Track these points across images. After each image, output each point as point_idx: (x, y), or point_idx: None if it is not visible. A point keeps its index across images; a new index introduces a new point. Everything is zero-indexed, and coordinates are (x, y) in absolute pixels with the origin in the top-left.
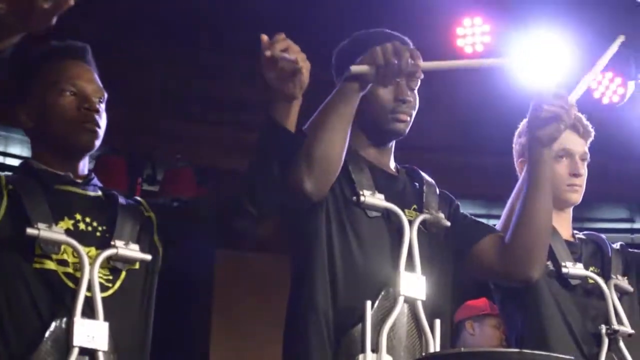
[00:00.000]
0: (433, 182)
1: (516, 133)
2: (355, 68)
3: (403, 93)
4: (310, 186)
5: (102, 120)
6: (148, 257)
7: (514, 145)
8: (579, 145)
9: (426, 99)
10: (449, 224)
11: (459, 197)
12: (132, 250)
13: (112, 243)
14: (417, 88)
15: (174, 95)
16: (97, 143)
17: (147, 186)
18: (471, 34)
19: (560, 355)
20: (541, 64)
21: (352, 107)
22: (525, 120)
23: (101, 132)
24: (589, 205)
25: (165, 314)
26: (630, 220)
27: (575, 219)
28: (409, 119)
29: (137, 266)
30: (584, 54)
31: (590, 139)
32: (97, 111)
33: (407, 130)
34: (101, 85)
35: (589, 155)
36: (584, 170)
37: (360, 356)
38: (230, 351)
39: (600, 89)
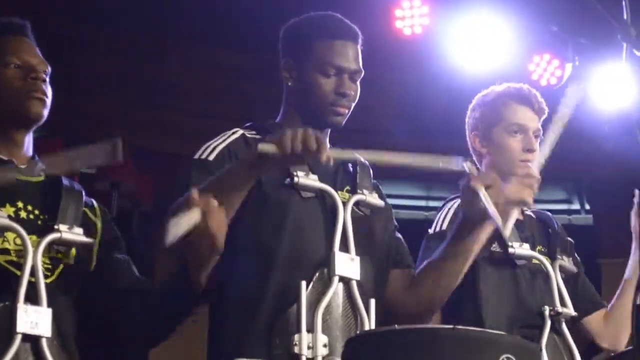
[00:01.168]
0: (367, 163)
1: (470, 106)
2: (262, 147)
3: (344, 86)
4: None
5: (49, 91)
6: (91, 240)
7: (467, 119)
8: (533, 121)
9: (364, 83)
10: (383, 203)
11: (399, 179)
12: (76, 234)
13: (56, 227)
14: (357, 81)
15: (112, 78)
16: (46, 113)
17: (86, 169)
18: (410, 15)
19: (493, 331)
20: (481, 47)
21: (245, 180)
22: (481, 94)
23: (49, 102)
24: None
25: None
26: (568, 201)
27: None
28: (347, 111)
29: (72, 261)
30: (524, 36)
31: (544, 116)
32: (44, 80)
33: (343, 124)
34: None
35: (542, 132)
36: (537, 147)
37: (296, 336)
38: None
39: (538, 71)
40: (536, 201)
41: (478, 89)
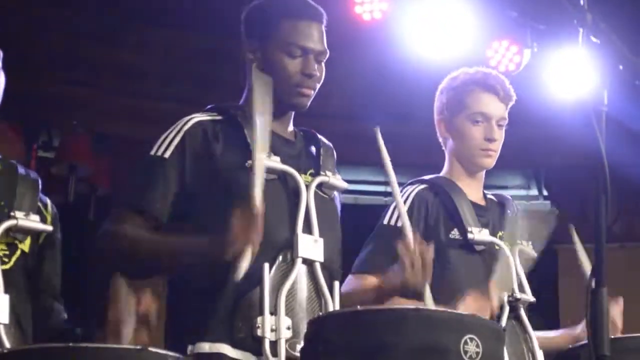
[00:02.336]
0: (331, 145)
1: (439, 87)
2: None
3: (310, 67)
4: None
5: (2, 78)
6: (49, 227)
7: (435, 101)
8: (498, 109)
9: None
10: (346, 185)
11: (358, 165)
12: (32, 221)
13: (12, 214)
14: (322, 62)
15: (71, 61)
16: None
17: (43, 153)
18: (369, 1)
19: (456, 311)
20: (439, 32)
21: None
22: (450, 76)
23: (1, 89)
24: (486, 172)
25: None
26: (526, 187)
27: None
28: (312, 92)
29: (27, 248)
30: (482, 22)
31: (511, 103)
32: None
33: (308, 105)
34: None
35: (507, 120)
36: (499, 135)
37: (259, 319)
38: None
39: (497, 57)
40: (495, 187)
41: (437, 75)
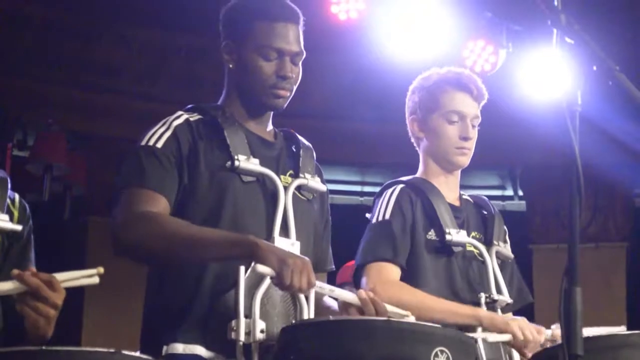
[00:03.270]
0: (310, 146)
1: (410, 88)
2: (260, 268)
3: (285, 69)
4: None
5: None
6: (18, 227)
7: (406, 101)
8: (472, 108)
9: (305, 67)
10: (324, 188)
11: (334, 164)
12: (2, 221)
13: None
14: (298, 63)
15: (46, 59)
16: None
17: (18, 151)
18: (345, 0)
19: (427, 324)
20: (415, 32)
21: (217, 260)
22: (421, 76)
23: None
24: (461, 172)
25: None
26: (502, 187)
27: None
28: (288, 94)
29: None
30: (458, 22)
31: (484, 102)
32: None
33: (284, 106)
34: None
35: (480, 119)
36: (474, 134)
37: (233, 322)
38: (104, 307)
39: (472, 58)
40: (470, 187)
41: (412, 75)
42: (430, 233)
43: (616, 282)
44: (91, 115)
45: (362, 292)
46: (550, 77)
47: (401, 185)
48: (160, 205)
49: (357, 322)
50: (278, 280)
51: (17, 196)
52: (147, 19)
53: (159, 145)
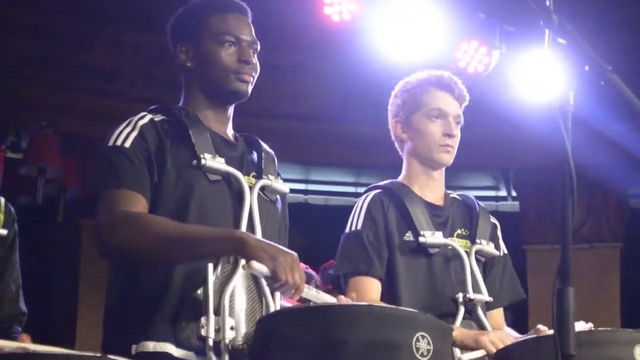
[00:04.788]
0: (272, 152)
1: (392, 93)
2: (256, 265)
3: (246, 54)
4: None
5: None
6: (4, 232)
7: (389, 106)
8: (453, 107)
9: (295, 70)
10: (287, 190)
11: (328, 165)
12: None
13: None
14: (255, 53)
15: (40, 62)
16: None
17: (11, 154)
18: (338, 2)
19: (408, 309)
20: (409, 33)
21: (205, 257)
22: (402, 81)
23: None
24: (454, 173)
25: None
26: (495, 188)
27: None
28: (251, 79)
29: None
30: (451, 24)
31: (465, 104)
32: None
33: (249, 92)
34: None
35: (462, 119)
36: (457, 132)
37: (203, 319)
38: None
39: (466, 59)
40: (464, 188)
41: (406, 76)
42: (407, 235)
43: (610, 283)
44: (85, 117)
45: (342, 297)
46: (543, 77)
47: (374, 192)
48: (140, 204)
49: (339, 307)
50: (273, 279)
51: (2, 200)
52: (140, 22)
53: (127, 145)
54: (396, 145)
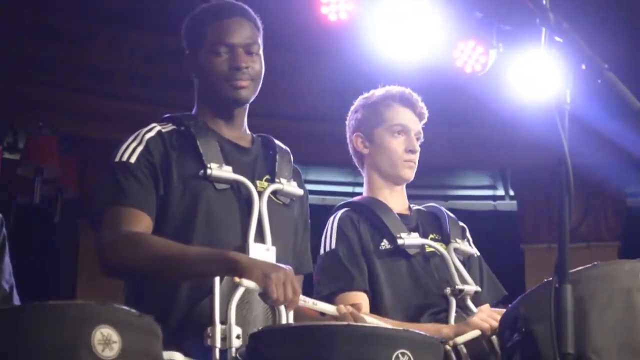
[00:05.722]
0: (287, 150)
1: (351, 108)
2: (246, 282)
3: (237, 60)
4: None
5: None
6: None
7: (347, 121)
8: (415, 123)
9: (293, 70)
10: (301, 192)
11: (326, 165)
12: None
13: None
14: (255, 53)
15: (37, 61)
16: None
17: (8, 154)
18: (335, 1)
19: (388, 327)
20: (406, 33)
21: (202, 277)
22: (362, 96)
23: None
24: (453, 173)
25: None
26: (493, 187)
27: (438, 186)
28: (248, 83)
29: None
30: (448, 23)
31: (424, 121)
32: None
33: (251, 96)
34: None
35: (422, 136)
36: (418, 148)
37: (209, 328)
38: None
39: (463, 58)
40: (462, 187)
41: (403, 75)
42: (383, 243)
43: None
44: (82, 118)
45: (341, 306)
46: (540, 76)
47: (342, 210)
48: (143, 222)
49: (320, 327)
50: (264, 296)
51: None
52: (137, 22)
53: (132, 160)
54: (355, 160)
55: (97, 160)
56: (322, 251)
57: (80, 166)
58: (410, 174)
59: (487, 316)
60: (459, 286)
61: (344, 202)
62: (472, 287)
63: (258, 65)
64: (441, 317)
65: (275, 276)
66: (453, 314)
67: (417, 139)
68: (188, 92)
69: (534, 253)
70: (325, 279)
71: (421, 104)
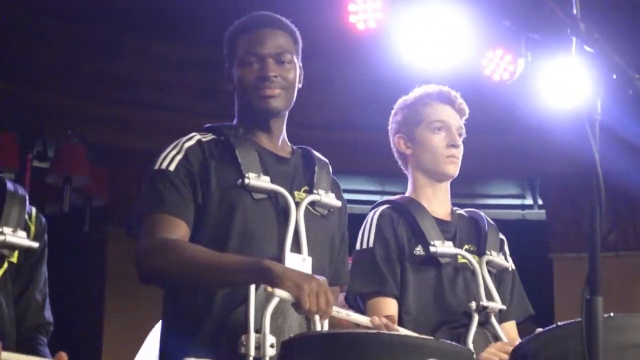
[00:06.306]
0: (327, 161)
1: (392, 112)
2: (278, 292)
3: (264, 70)
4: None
5: None
6: (35, 244)
7: (389, 125)
8: (455, 119)
9: (321, 79)
10: (339, 204)
11: (353, 174)
12: (20, 237)
13: (0, 230)
14: (287, 62)
15: (66, 71)
16: None
17: (38, 163)
18: (363, 10)
19: (418, 336)
20: (434, 42)
21: (236, 285)
22: (402, 99)
23: None
24: (481, 181)
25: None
26: (521, 196)
27: (467, 195)
28: (278, 92)
29: (14, 263)
30: (477, 32)
31: (465, 117)
32: None
33: (282, 105)
34: None
35: (464, 131)
36: (461, 143)
37: (243, 337)
38: (125, 318)
39: (491, 67)
40: (490, 196)
41: (431, 84)
42: (417, 249)
43: (637, 291)
44: (111, 126)
45: (375, 318)
46: (569, 85)
47: (383, 207)
48: (180, 230)
49: (349, 334)
50: (296, 306)
51: (34, 210)
52: (165, 32)
53: (172, 168)
54: (399, 162)
55: (126, 168)
56: (358, 246)
57: (109, 174)
58: (453, 170)
59: (498, 350)
60: (484, 303)
61: (386, 199)
62: (497, 305)
63: (291, 74)
64: (460, 331)
65: (308, 286)
66: (473, 330)
67: (459, 135)
68: (215, 101)
69: (562, 262)
70: (359, 277)
71: (460, 100)
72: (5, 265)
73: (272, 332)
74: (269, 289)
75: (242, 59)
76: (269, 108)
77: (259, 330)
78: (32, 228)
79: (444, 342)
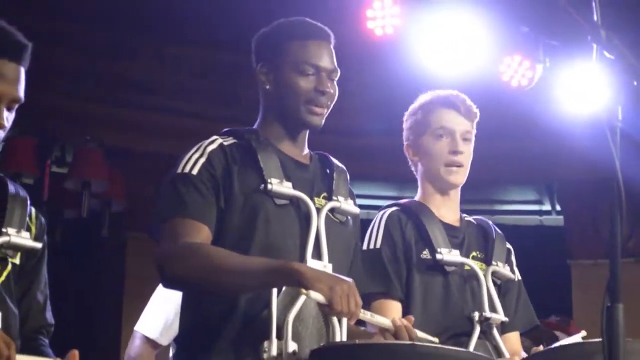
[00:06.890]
0: (344, 168)
1: (404, 119)
2: (313, 295)
3: (323, 84)
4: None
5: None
6: (39, 245)
7: (403, 132)
8: (460, 124)
9: (341, 84)
10: (357, 211)
11: (372, 180)
12: (24, 238)
13: (4, 230)
14: (335, 80)
15: (85, 76)
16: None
17: (56, 168)
18: (381, 16)
19: (450, 347)
20: (452, 47)
21: (263, 288)
22: (412, 106)
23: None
24: (499, 187)
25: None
26: (539, 202)
27: (485, 201)
28: (325, 110)
29: (18, 264)
30: (494, 37)
31: (476, 119)
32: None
33: (321, 124)
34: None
35: (473, 135)
36: (465, 149)
37: (265, 343)
38: None
39: (509, 72)
40: (508, 202)
41: (449, 89)
42: (424, 252)
43: None
44: (129, 131)
45: (396, 319)
46: (588, 91)
47: (392, 209)
48: (203, 234)
49: (383, 345)
50: (329, 308)
51: (33, 210)
52: (183, 36)
53: (194, 172)
54: (412, 169)
55: (144, 173)
56: (365, 246)
57: (128, 179)
58: (455, 178)
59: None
60: (487, 314)
61: (394, 202)
62: (499, 317)
63: (335, 92)
64: (462, 340)
65: (340, 288)
66: (474, 340)
67: (466, 139)
68: (232, 106)
69: (580, 269)
70: (364, 277)
71: (468, 103)
72: (9, 266)
73: (293, 338)
74: (304, 290)
75: (299, 67)
76: (314, 124)
77: (280, 336)
78: (33, 229)
79: (475, 354)
